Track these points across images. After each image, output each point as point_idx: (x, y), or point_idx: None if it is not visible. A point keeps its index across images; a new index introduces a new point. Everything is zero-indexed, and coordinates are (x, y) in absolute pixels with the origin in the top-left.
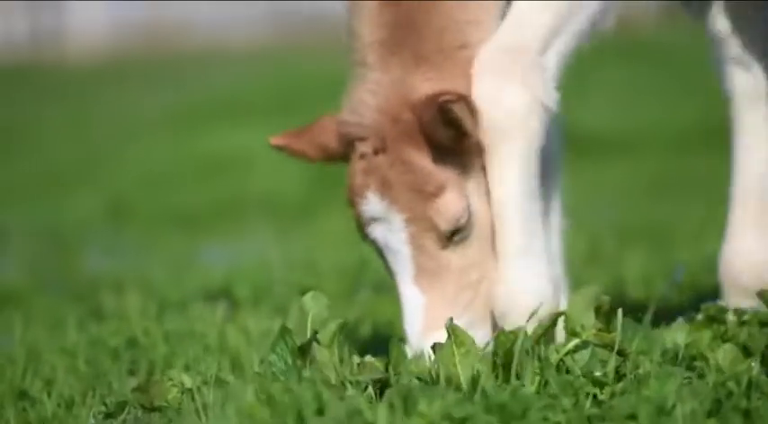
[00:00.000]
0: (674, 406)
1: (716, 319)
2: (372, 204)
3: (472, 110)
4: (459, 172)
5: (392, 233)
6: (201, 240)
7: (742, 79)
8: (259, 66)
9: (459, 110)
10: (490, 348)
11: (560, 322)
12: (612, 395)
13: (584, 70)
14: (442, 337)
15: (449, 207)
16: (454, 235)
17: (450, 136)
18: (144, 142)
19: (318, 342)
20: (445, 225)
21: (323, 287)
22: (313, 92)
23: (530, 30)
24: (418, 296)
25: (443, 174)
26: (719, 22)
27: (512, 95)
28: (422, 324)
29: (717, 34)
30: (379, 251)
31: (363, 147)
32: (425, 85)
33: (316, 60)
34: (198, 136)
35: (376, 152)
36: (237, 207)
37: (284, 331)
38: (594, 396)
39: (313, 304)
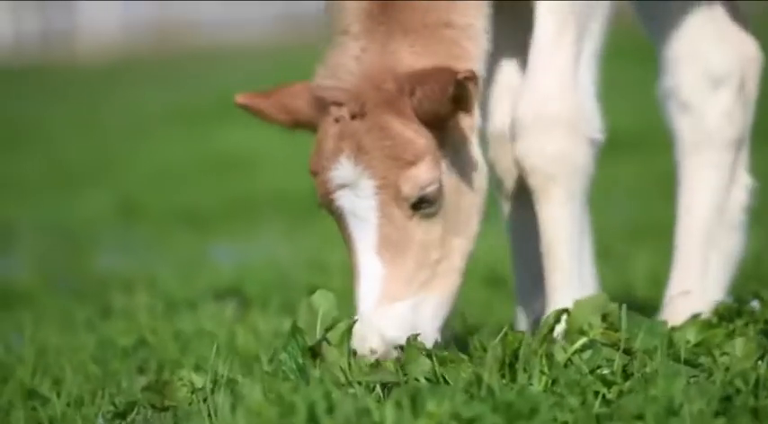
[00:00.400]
0: (681, 405)
1: (725, 317)
2: (344, 169)
3: (477, 90)
4: (437, 148)
5: (361, 199)
6: (211, 238)
7: (683, 123)
8: (269, 64)
9: (470, 87)
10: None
11: (563, 322)
12: (620, 394)
13: (603, 67)
14: (394, 312)
15: (420, 174)
16: (421, 205)
17: (448, 112)
18: (154, 140)
19: (328, 342)
20: (410, 191)
21: (332, 286)
22: None
23: (555, 66)
24: (378, 267)
25: (422, 144)
26: (666, 63)
27: (555, 143)
28: (378, 296)
29: (663, 74)
30: (340, 221)
31: (339, 112)
32: (411, 58)
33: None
34: (208, 135)
35: (353, 116)
36: (247, 206)
37: (295, 330)
38: (602, 395)
39: (321, 301)
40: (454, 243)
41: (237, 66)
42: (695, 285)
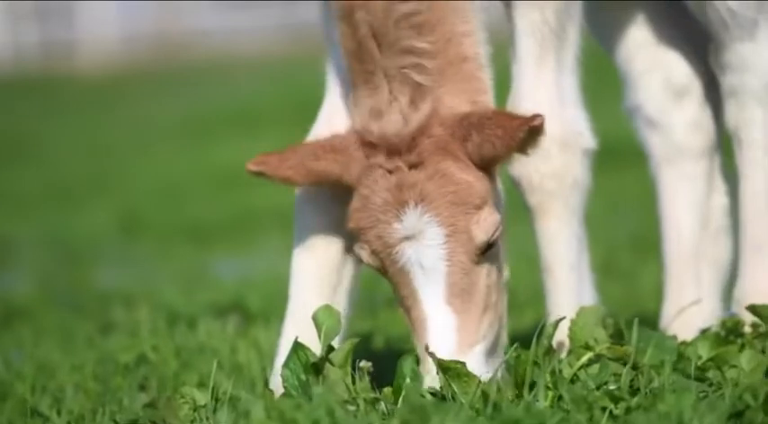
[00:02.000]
0: (690, 421)
1: (733, 331)
2: (410, 220)
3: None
4: (492, 192)
5: (429, 249)
6: (213, 253)
7: (653, 138)
8: (271, 76)
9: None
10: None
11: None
12: (628, 410)
13: (601, 79)
14: (473, 358)
15: (488, 218)
16: (488, 250)
17: (510, 156)
18: (155, 154)
19: (331, 362)
20: (484, 236)
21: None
22: None
23: (541, 85)
24: (450, 317)
25: (484, 188)
26: (631, 79)
27: (550, 160)
28: (455, 346)
29: (626, 91)
30: (400, 275)
31: (392, 163)
32: (447, 98)
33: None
34: (210, 149)
35: (411, 166)
36: (249, 220)
37: (297, 347)
38: (609, 411)
39: (325, 318)
40: (502, 283)
41: (239, 77)
42: (690, 299)
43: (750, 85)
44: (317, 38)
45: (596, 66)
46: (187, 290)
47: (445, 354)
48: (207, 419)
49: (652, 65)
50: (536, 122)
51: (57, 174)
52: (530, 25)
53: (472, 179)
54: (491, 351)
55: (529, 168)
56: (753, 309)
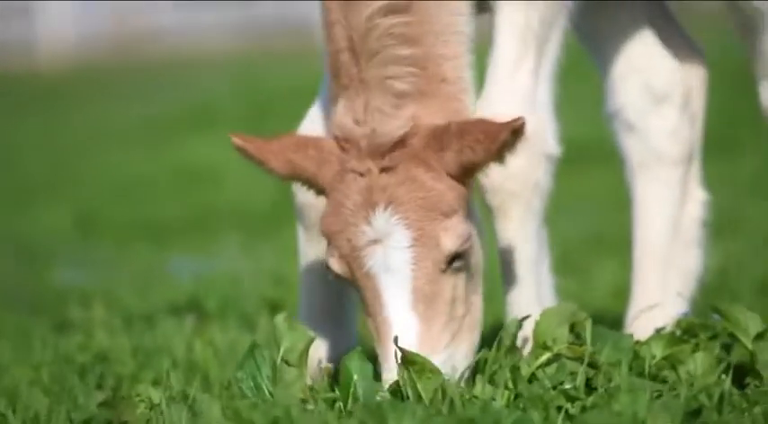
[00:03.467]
0: (645, 421)
1: (687, 331)
2: (379, 222)
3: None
4: (464, 203)
5: (396, 252)
6: (170, 252)
7: (630, 143)
8: (230, 74)
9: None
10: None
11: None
12: (583, 409)
13: (560, 80)
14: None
15: (457, 226)
16: (455, 260)
17: (487, 163)
18: (113, 153)
19: (287, 362)
20: (451, 245)
21: (291, 300)
22: (284, 101)
23: (514, 87)
24: (413, 322)
25: (455, 197)
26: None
27: (514, 161)
28: (415, 351)
29: (607, 94)
30: (365, 280)
31: (364, 167)
32: (424, 112)
33: (286, 67)
34: (168, 147)
35: (383, 170)
36: (207, 219)
37: (253, 349)
38: (565, 410)
39: (284, 328)
40: (473, 299)
41: (198, 75)
42: (656, 304)
43: None
44: (275, 36)
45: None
46: (144, 289)
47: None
48: (162, 417)
49: (633, 69)
50: (517, 124)
51: (13, 173)
52: (512, 28)
53: (444, 187)
54: (452, 367)
55: (492, 168)
56: (715, 309)
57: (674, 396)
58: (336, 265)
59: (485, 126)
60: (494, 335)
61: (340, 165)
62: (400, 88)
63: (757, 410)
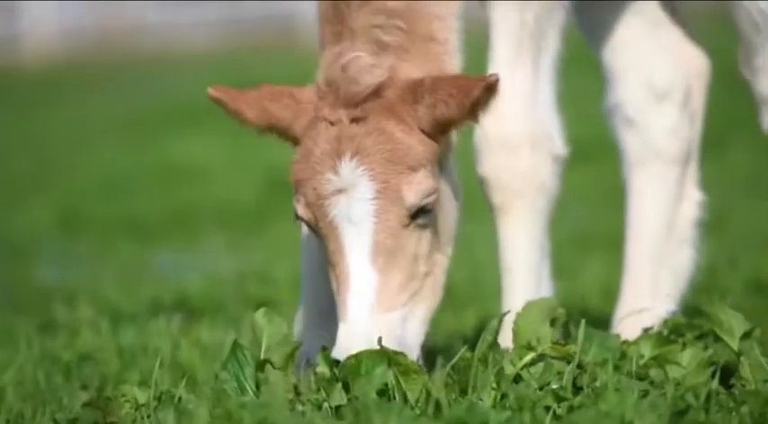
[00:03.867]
0: (632, 421)
1: (675, 331)
2: (344, 172)
3: (492, 100)
4: (433, 159)
5: (358, 203)
6: (155, 249)
7: (629, 138)
8: (214, 71)
9: (495, 94)
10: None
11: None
12: (570, 409)
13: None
14: (386, 321)
15: (422, 181)
16: (418, 215)
17: (461, 119)
18: (97, 149)
19: (272, 364)
20: (414, 199)
21: (277, 297)
22: None
23: (515, 86)
24: (372, 274)
25: (424, 152)
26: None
27: (520, 160)
28: (370, 304)
29: (608, 89)
30: (329, 229)
31: (336, 116)
32: (406, 67)
33: (271, 63)
34: (152, 144)
35: (353, 120)
36: (192, 217)
37: (236, 348)
38: (553, 410)
39: (265, 321)
40: (437, 259)
41: (182, 72)
42: (646, 301)
43: None
44: (259, 33)
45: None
46: (129, 287)
47: (360, 311)
48: (148, 417)
49: (635, 65)
50: (491, 79)
51: None
52: (508, 27)
53: (413, 141)
54: (411, 325)
55: (497, 166)
56: (699, 309)
57: (661, 396)
58: (302, 212)
59: (459, 81)
60: (476, 337)
61: (315, 113)
62: (384, 39)
63: (744, 409)
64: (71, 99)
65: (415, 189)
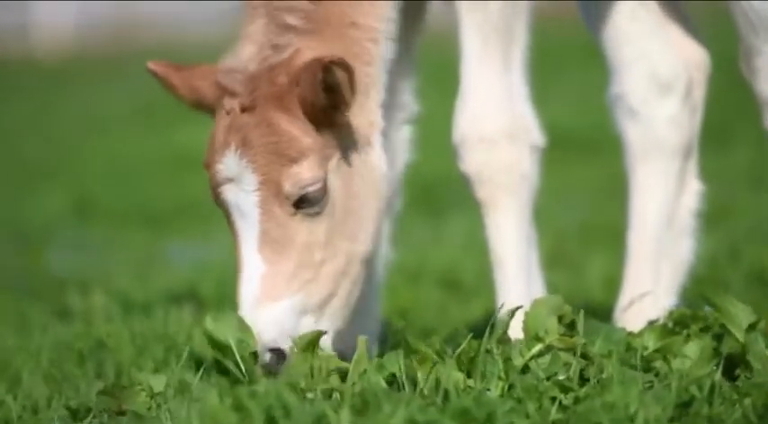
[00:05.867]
0: (637, 412)
1: (679, 323)
2: (230, 162)
3: (352, 80)
4: (325, 147)
5: (245, 194)
6: (168, 237)
7: (631, 130)
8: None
9: (340, 75)
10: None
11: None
12: (576, 400)
13: (551, 70)
14: (272, 313)
15: (301, 172)
16: (303, 204)
17: (326, 103)
18: (111, 138)
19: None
20: (290, 188)
21: None
22: None
23: (487, 81)
24: (258, 264)
25: (307, 143)
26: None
27: (499, 154)
28: (257, 294)
29: (612, 80)
30: (228, 215)
31: (231, 104)
32: (308, 53)
33: None
34: (165, 133)
35: (243, 109)
36: (204, 205)
37: (241, 338)
38: (559, 401)
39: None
40: (342, 246)
41: (193, 62)
42: (647, 292)
43: None
44: None
45: (538, 61)
46: (142, 276)
47: (246, 301)
48: (163, 405)
49: (640, 56)
50: (328, 59)
51: (11, 158)
52: (474, 23)
53: (297, 132)
54: (313, 312)
55: (477, 162)
56: (707, 300)
57: (665, 387)
58: (212, 197)
59: (310, 63)
60: (484, 327)
61: (220, 99)
62: (288, 21)
63: (747, 401)
64: (84, 89)
65: (294, 179)
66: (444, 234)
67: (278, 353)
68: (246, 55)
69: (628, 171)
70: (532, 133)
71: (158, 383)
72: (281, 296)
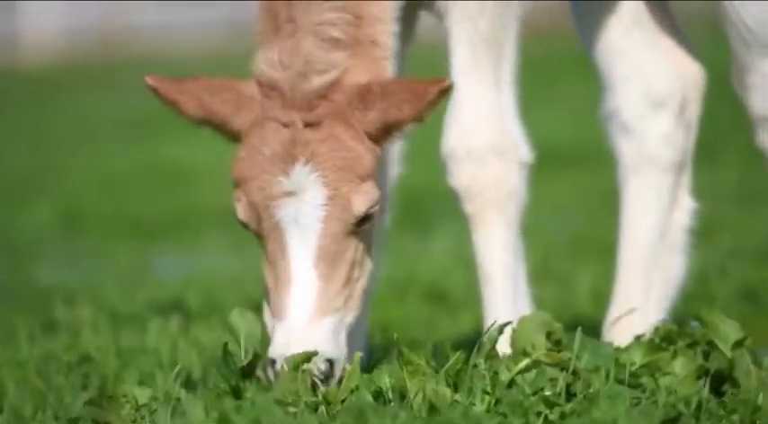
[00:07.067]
0: None
1: (666, 338)
2: (296, 176)
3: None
4: (377, 168)
5: (309, 208)
6: (155, 250)
7: (625, 145)
8: (214, 72)
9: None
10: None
11: (507, 338)
12: (563, 415)
13: (541, 83)
14: (327, 327)
15: (369, 191)
16: (362, 224)
17: (408, 123)
18: (99, 149)
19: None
20: (362, 207)
21: None
22: None
23: (476, 95)
24: (314, 281)
25: (372, 162)
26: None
27: (488, 168)
28: (311, 310)
29: (605, 95)
30: (272, 231)
31: (288, 117)
32: (352, 70)
33: None
34: (153, 144)
35: (307, 125)
36: (192, 217)
37: (226, 352)
38: (545, 416)
39: (242, 322)
40: (367, 264)
41: (183, 73)
42: (637, 308)
43: None
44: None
45: (532, 74)
46: (129, 288)
47: (301, 316)
48: (148, 417)
49: (634, 72)
50: (445, 84)
51: None
52: (463, 36)
53: (362, 150)
54: (339, 331)
55: (466, 177)
56: (695, 316)
57: (652, 403)
58: (242, 210)
59: (412, 85)
60: (472, 341)
61: (262, 111)
62: (334, 35)
63: (735, 417)
64: (71, 98)
65: (364, 198)
66: (432, 247)
67: (331, 364)
68: (287, 67)
69: (620, 186)
70: (520, 149)
71: (143, 395)
72: (330, 312)
